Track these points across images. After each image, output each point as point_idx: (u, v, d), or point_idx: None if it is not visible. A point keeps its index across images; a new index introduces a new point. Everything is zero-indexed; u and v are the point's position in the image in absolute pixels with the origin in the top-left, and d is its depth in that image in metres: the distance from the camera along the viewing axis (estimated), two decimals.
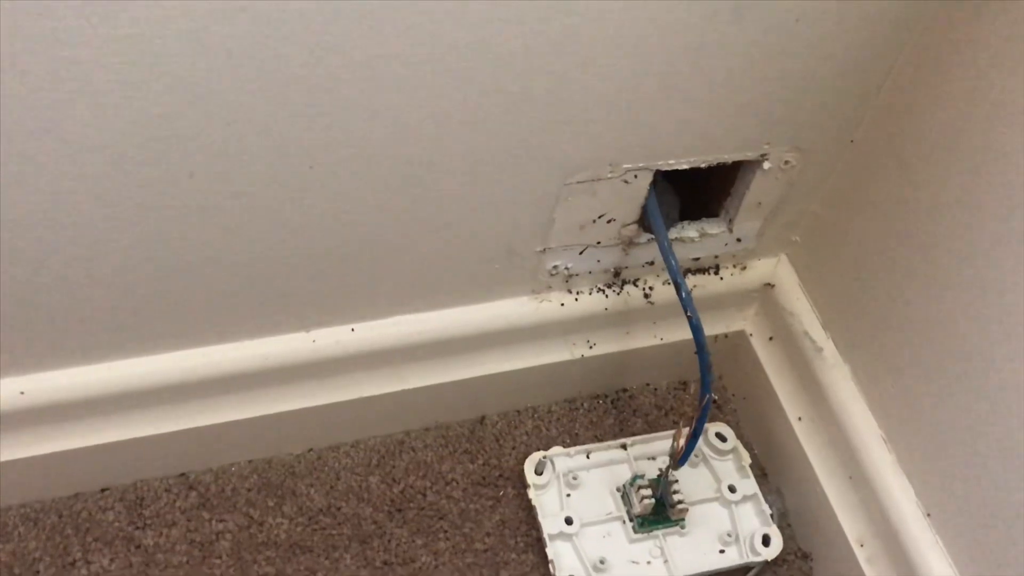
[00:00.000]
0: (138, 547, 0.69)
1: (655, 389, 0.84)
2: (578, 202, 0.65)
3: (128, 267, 0.58)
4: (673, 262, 0.65)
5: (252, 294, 0.63)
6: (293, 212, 0.58)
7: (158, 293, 0.61)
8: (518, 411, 0.81)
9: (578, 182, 0.63)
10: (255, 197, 0.56)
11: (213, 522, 0.71)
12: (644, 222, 0.69)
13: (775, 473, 0.80)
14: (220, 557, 0.70)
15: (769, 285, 0.78)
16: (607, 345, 0.78)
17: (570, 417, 0.81)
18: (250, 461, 0.74)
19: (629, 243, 0.71)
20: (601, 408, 0.83)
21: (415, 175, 0.58)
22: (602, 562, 0.71)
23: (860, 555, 0.69)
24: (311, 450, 0.76)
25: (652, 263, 0.74)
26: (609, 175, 0.63)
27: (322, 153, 0.55)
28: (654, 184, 0.66)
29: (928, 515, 0.65)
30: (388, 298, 0.68)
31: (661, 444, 0.78)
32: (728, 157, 0.65)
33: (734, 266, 0.77)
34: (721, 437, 0.79)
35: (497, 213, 0.64)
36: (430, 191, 0.60)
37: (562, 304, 0.74)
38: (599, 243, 0.70)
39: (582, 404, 0.82)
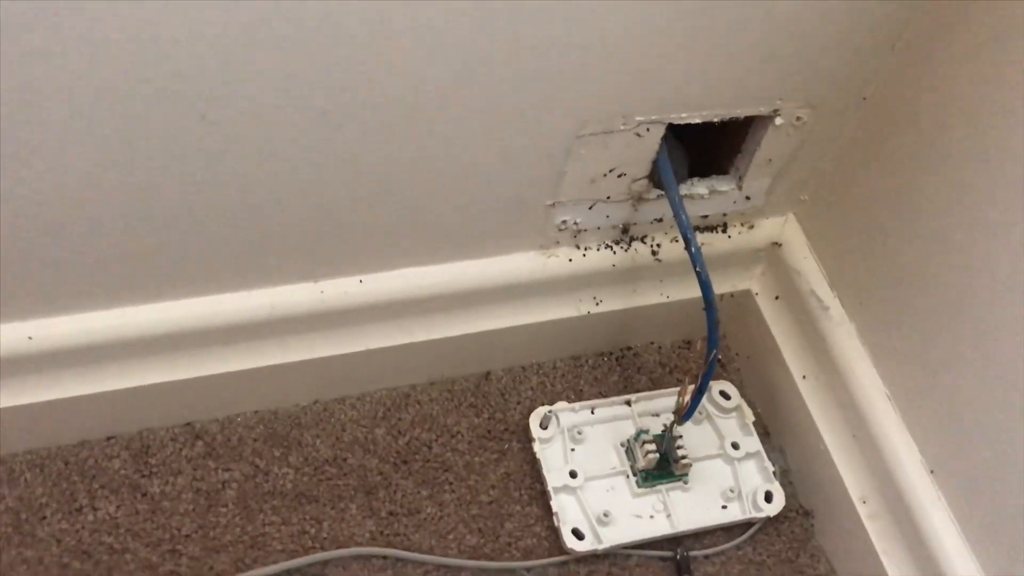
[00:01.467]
0: (144, 495, 0.69)
1: (660, 347, 0.85)
2: (589, 155, 0.64)
3: (136, 212, 0.58)
4: (684, 217, 0.65)
5: (261, 242, 0.63)
6: (304, 159, 0.58)
7: (166, 240, 0.60)
8: (523, 367, 0.81)
9: (590, 134, 0.63)
10: (266, 142, 0.55)
11: (219, 471, 0.71)
12: (654, 177, 0.69)
13: (778, 431, 0.80)
14: (226, 506, 0.70)
15: (776, 244, 0.78)
16: (614, 302, 0.78)
17: (575, 374, 0.82)
18: (256, 411, 0.75)
19: (639, 199, 0.70)
20: (606, 365, 0.83)
21: (426, 125, 0.58)
22: (606, 515, 0.71)
23: (862, 512, 0.70)
24: (317, 402, 0.76)
25: (661, 220, 0.74)
26: (622, 127, 0.63)
27: (334, 100, 0.54)
28: (665, 139, 0.66)
29: (932, 472, 0.66)
30: (397, 250, 0.68)
31: (665, 401, 0.78)
32: (741, 112, 0.65)
33: (742, 224, 0.77)
34: (725, 395, 0.79)
35: (508, 165, 0.63)
36: (441, 141, 0.60)
37: (570, 260, 0.73)
38: (609, 198, 0.69)
39: (587, 361, 0.83)
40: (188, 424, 0.73)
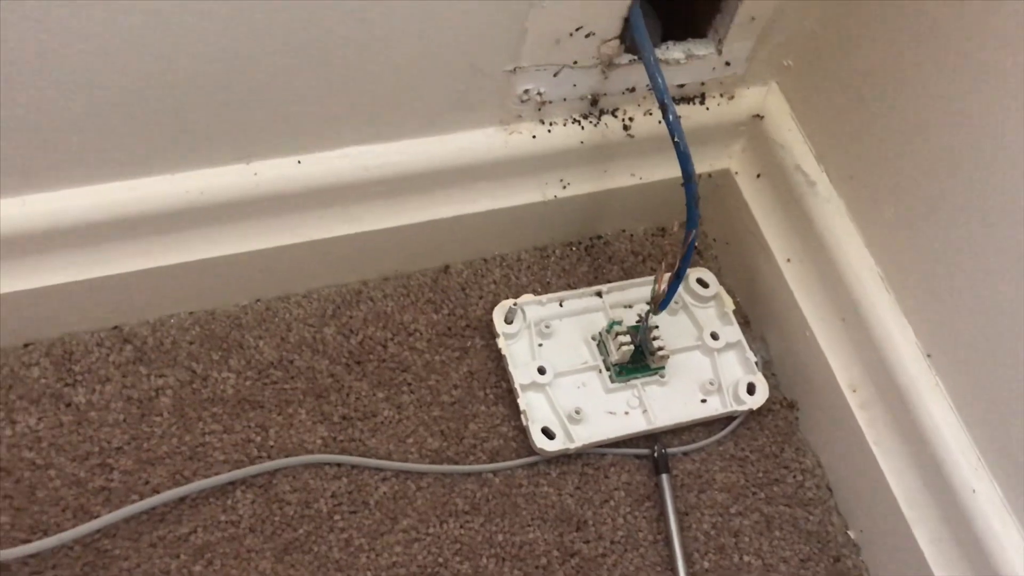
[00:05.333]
0: (68, 405, 0.63)
1: (632, 235, 0.78)
2: (553, 9, 0.57)
3: (44, 84, 0.50)
4: (660, 80, 0.58)
5: (184, 118, 0.55)
6: (233, 16, 0.49)
7: (76, 114, 0.52)
8: (485, 259, 0.75)
9: None
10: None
11: (151, 377, 0.65)
12: (626, 38, 0.62)
13: (760, 320, 0.75)
14: (161, 414, 0.63)
15: (758, 116, 0.71)
16: (582, 185, 0.71)
17: (541, 265, 0.75)
18: (191, 312, 0.68)
19: (609, 64, 0.63)
20: (574, 255, 0.77)
21: None
22: (577, 412, 0.66)
23: (852, 401, 0.65)
24: (259, 300, 0.69)
25: (633, 90, 0.67)
26: None
27: None
28: None
29: (928, 356, 0.61)
30: (338, 126, 0.60)
31: (639, 291, 0.72)
32: None
33: (721, 95, 0.70)
34: (703, 283, 0.73)
35: (461, 22, 0.56)
36: None
37: (534, 136, 0.66)
38: (576, 63, 0.62)
39: (554, 251, 0.76)
40: (115, 328, 0.66)
